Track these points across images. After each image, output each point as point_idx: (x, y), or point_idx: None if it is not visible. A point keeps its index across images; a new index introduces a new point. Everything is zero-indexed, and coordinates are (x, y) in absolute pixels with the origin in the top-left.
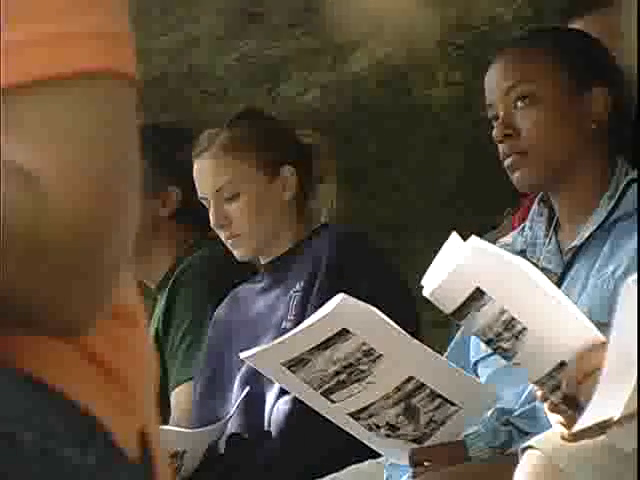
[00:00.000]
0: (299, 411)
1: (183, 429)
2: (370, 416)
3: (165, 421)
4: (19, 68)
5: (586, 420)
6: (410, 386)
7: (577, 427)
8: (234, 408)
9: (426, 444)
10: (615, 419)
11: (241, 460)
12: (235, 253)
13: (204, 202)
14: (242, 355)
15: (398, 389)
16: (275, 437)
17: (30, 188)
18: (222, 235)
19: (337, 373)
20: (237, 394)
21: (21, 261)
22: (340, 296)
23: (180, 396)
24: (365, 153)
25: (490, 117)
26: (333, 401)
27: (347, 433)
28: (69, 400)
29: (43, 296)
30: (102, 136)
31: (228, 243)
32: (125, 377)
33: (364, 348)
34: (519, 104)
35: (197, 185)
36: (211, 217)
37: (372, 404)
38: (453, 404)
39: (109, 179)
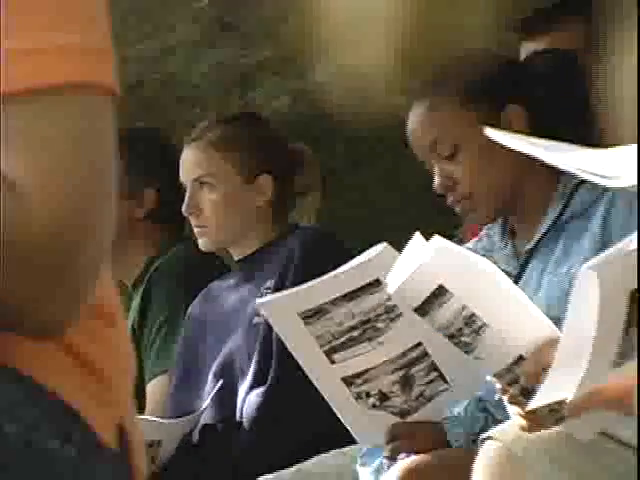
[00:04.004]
0: (270, 403)
1: (158, 419)
2: (364, 382)
3: (140, 413)
4: (3, 79)
5: (540, 400)
6: (415, 353)
7: (531, 406)
8: (208, 400)
9: (409, 419)
10: (568, 400)
11: (214, 450)
12: (199, 242)
13: (185, 188)
14: (258, 301)
15: (404, 354)
16: (247, 428)
17: (12, 194)
18: (192, 222)
19: (351, 328)
20: (211, 387)
21: (2, 263)
22: (382, 245)
23: (155, 387)
24: (333, 158)
25: (427, 167)
26: (333, 362)
27: (316, 425)
28: (52, 394)
29: (23, 297)
30: (81, 146)
31: (195, 231)
32: (109, 376)
33: (388, 303)
34: (446, 155)
35: (180, 171)
36: (184, 203)
37: (372, 368)
38: (445, 381)
39: (86, 186)
